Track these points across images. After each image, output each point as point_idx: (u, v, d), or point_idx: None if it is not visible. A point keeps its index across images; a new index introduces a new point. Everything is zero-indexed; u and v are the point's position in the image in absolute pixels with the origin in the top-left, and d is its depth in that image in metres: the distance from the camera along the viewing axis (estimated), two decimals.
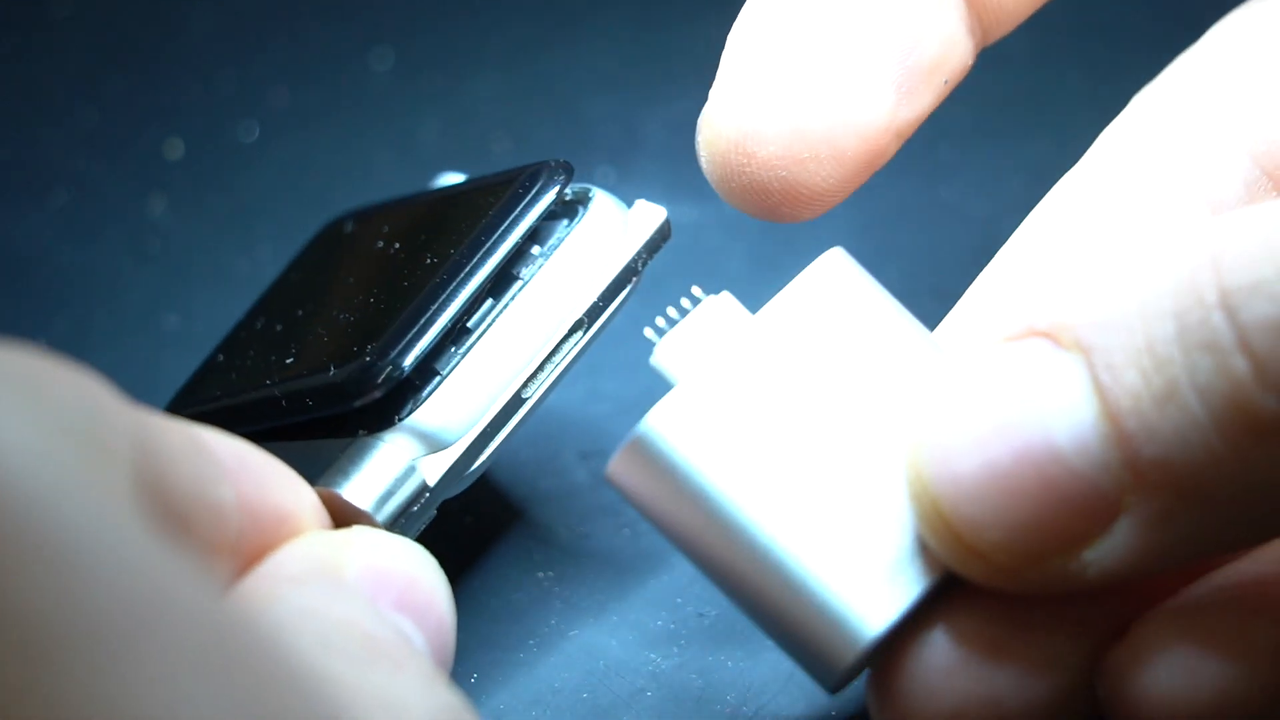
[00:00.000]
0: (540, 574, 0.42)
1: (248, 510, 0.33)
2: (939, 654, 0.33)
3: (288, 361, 0.40)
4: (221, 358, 0.42)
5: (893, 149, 0.38)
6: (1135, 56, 0.54)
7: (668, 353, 0.34)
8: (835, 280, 0.34)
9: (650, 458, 0.33)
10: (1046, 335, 0.32)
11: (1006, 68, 0.55)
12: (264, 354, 0.41)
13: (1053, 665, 0.33)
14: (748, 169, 0.38)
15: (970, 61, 0.39)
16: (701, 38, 0.57)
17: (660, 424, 0.33)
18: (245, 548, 0.33)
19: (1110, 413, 0.31)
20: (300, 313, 0.41)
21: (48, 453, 0.25)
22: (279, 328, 0.41)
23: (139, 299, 0.51)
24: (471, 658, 0.39)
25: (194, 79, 0.56)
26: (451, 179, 0.44)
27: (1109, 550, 0.31)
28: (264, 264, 0.51)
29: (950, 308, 0.41)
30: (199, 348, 0.45)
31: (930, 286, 0.48)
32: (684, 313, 0.34)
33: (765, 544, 0.32)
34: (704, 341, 0.34)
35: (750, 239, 0.50)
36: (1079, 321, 0.32)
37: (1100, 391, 0.31)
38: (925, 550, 0.33)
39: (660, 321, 0.35)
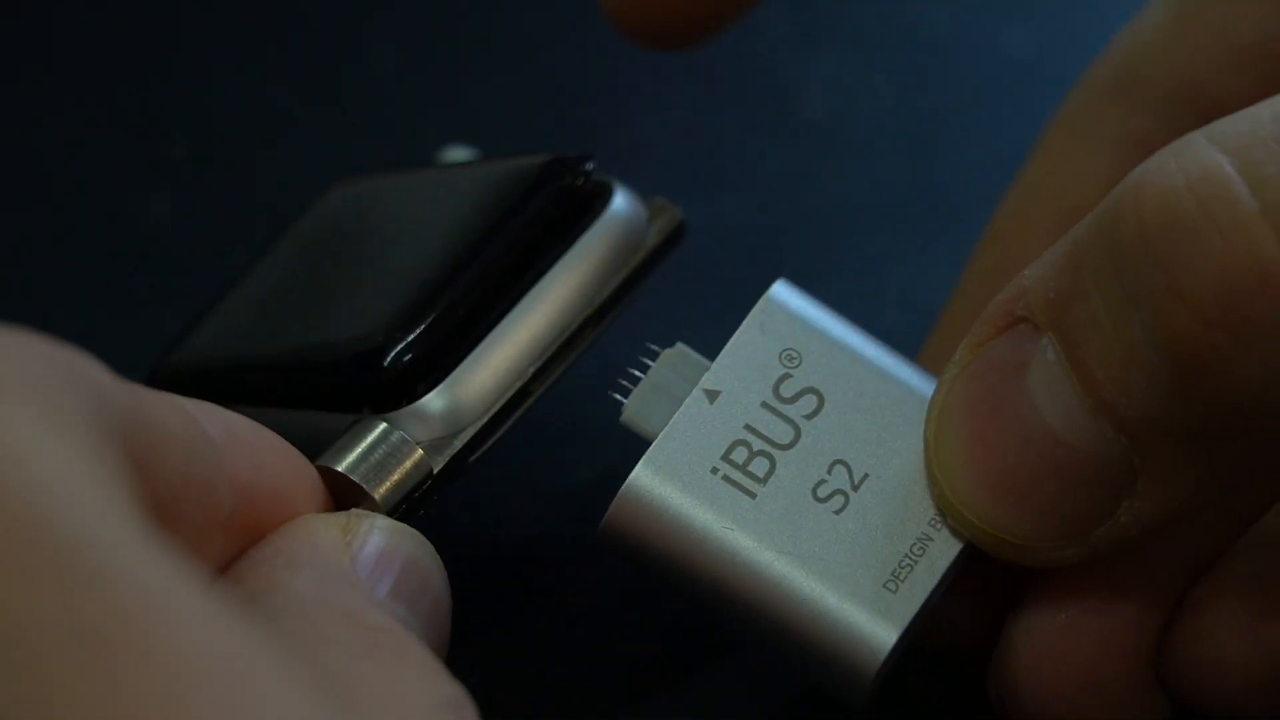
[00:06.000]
0: (539, 573, 0.42)
1: (240, 487, 0.32)
2: (1050, 628, 0.34)
3: (293, 330, 0.40)
4: (217, 318, 0.42)
5: None
6: None
7: (636, 412, 0.37)
8: (786, 310, 0.36)
9: (642, 511, 0.35)
10: (1026, 319, 0.33)
11: (1006, 62, 0.55)
12: (266, 320, 0.41)
13: (1142, 625, 0.34)
14: None
15: None
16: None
17: (646, 478, 0.35)
18: (237, 525, 0.32)
19: (1088, 386, 0.32)
20: (306, 282, 0.41)
21: (42, 447, 0.25)
22: (282, 295, 0.41)
23: (139, 299, 0.51)
24: (471, 658, 0.39)
25: (194, 79, 0.56)
26: (460, 154, 0.44)
27: (1142, 507, 0.32)
28: None
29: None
30: None
31: (930, 286, 0.48)
32: (644, 369, 0.37)
33: (769, 570, 0.34)
34: (668, 393, 0.36)
35: (750, 240, 0.50)
36: (1043, 300, 0.32)
37: (1075, 367, 0.32)
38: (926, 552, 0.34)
39: (624, 383, 0.37)
